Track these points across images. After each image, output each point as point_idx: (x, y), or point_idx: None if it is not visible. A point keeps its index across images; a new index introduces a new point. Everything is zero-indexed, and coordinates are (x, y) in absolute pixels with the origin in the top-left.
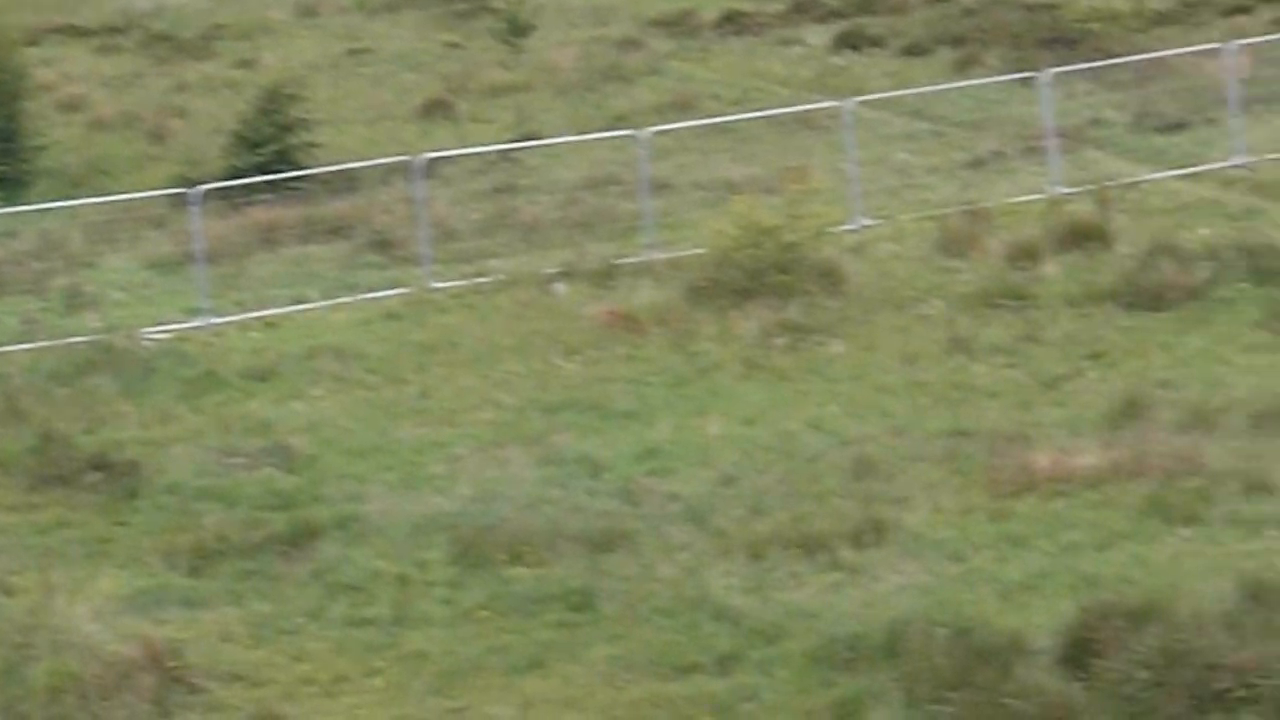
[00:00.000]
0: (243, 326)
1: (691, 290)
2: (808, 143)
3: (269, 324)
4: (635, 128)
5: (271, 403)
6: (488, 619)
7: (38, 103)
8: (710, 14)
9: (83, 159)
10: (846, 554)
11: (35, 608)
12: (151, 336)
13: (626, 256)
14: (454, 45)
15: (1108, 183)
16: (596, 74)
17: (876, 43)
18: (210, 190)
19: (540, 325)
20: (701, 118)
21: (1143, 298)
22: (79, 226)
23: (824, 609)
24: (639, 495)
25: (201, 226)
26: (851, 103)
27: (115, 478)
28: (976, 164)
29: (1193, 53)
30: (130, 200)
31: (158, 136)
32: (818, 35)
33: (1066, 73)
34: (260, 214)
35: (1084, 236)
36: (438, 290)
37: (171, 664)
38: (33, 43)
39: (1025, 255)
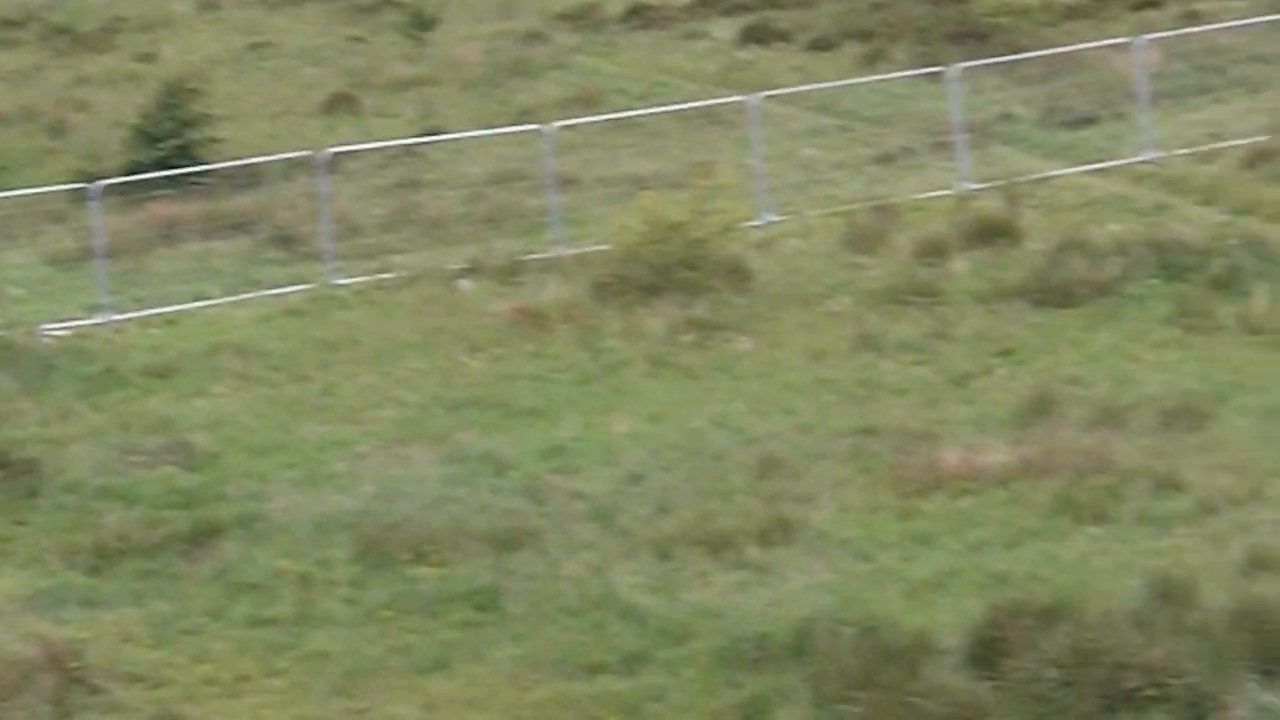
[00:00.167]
0: (143, 323)
1: (598, 287)
2: (714, 138)
3: (170, 321)
4: (541, 123)
5: (172, 400)
6: (391, 618)
7: None
8: (616, 8)
9: None
10: (753, 553)
11: None
12: (51, 333)
13: (532, 253)
14: (358, 39)
15: (1017, 178)
16: (502, 68)
17: (783, 37)
18: (111, 185)
19: (445, 322)
20: (607, 113)
21: (1052, 294)
22: None
23: (731, 608)
24: (544, 493)
25: (102, 222)
26: (758, 98)
27: (14, 476)
28: (884, 160)
29: (1102, 47)
30: (29, 195)
31: (57, 131)
32: (724, 29)
33: (975, 68)
34: (161, 209)
35: (993, 233)
36: (341, 286)
37: (72, 664)
38: None
39: (934, 252)
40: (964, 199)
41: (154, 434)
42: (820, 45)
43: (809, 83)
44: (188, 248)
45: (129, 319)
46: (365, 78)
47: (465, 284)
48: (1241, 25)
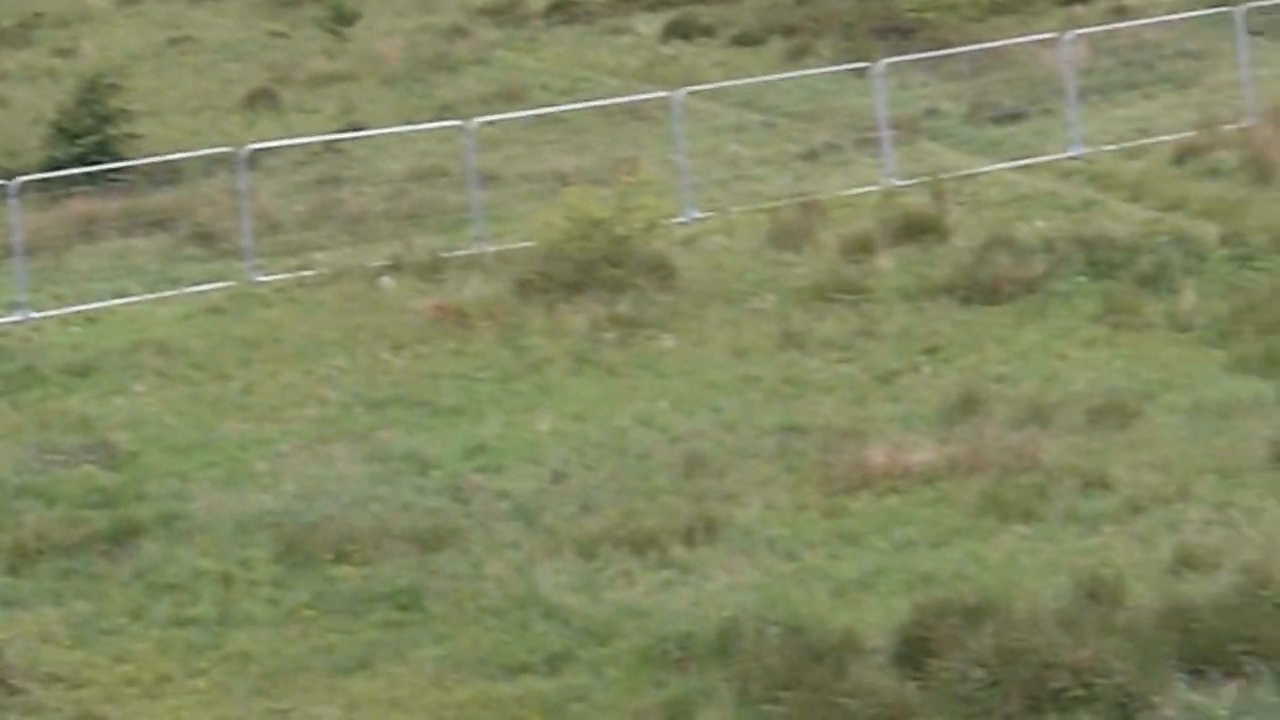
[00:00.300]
0: (62, 321)
1: (520, 284)
2: (638, 134)
3: (89, 318)
4: (463, 118)
5: (92, 399)
6: (313, 619)
7: None
8: (539, 2)
9: None
10: (678, 552)
11: None
12: None
13: (454, 249)
14: (278, 34)
15: (943, 174)
16: (423, 63)
17: (707, 32)
18: (28, 182)
19: (366, 319)
20: (530, 108)
21: (979, 291)
22: None
23: (655, 608)
24: (467, 493)
25: (19, 219)
26: (681, 93)
27: None
28: (809, 156)
29: (1030, 42)
30: None
31: None
32: (648, 24)
33: (901, 63)
34: (80, 206)
35: (919, 229)
36: (261, 284)
37: None
38: None
39: (859, 248)
40: (890, 195)
41: (74, 433)
42: (745, 40)
43: (733, 78)
44: (107, 245)
45: (48, 317)
46: (286, 73)
47: (387, 281)
48: (1169, 21)
